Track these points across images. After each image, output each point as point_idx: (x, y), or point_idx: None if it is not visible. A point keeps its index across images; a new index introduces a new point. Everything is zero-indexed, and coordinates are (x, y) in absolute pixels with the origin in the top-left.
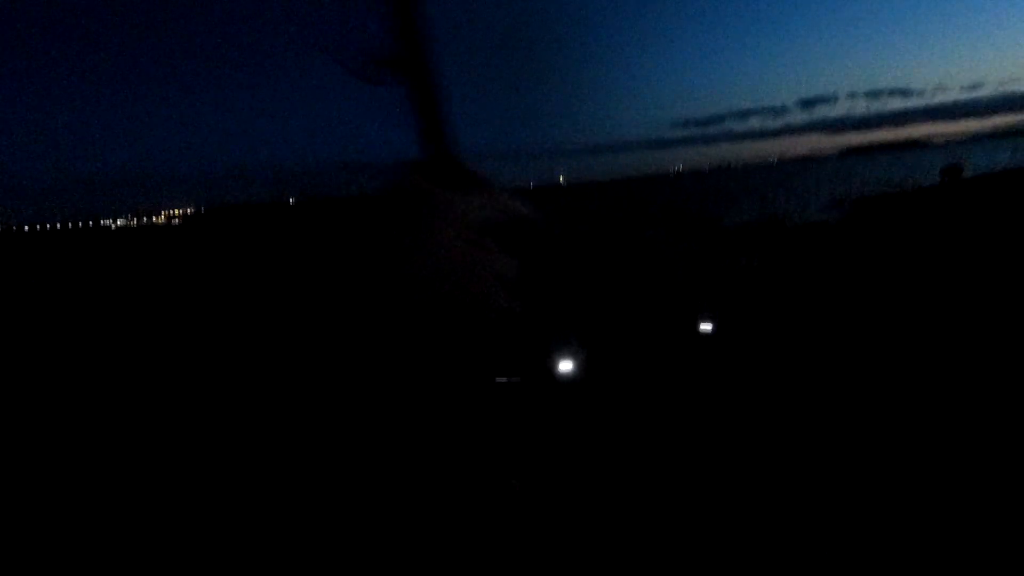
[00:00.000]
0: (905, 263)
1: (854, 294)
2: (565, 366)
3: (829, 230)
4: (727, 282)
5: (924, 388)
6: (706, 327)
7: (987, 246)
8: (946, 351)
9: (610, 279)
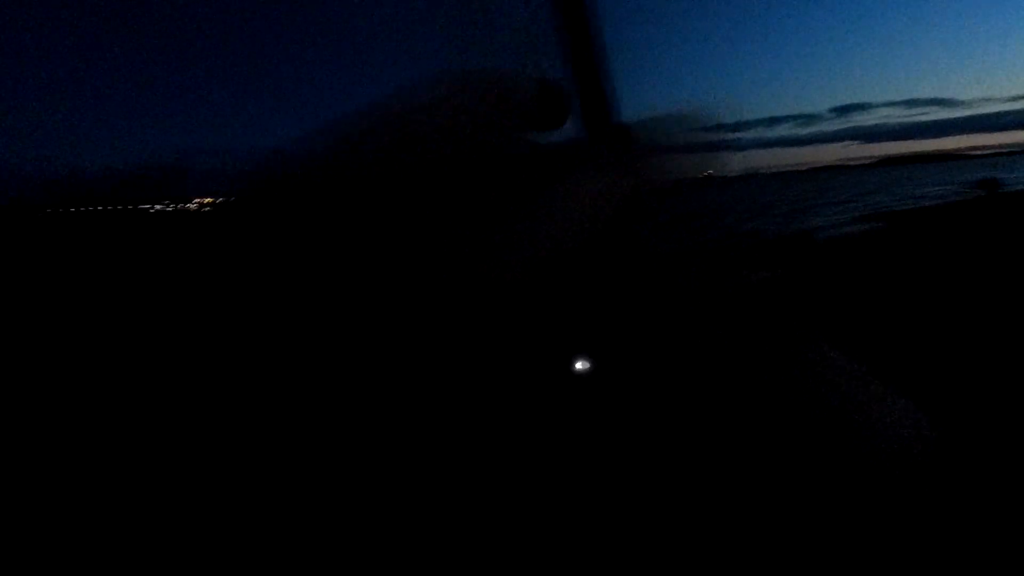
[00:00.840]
0: (942, 281)
1: (885, 312)
2: (582, 364)
3: (860, 244)
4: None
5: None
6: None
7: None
8: (987, 378)
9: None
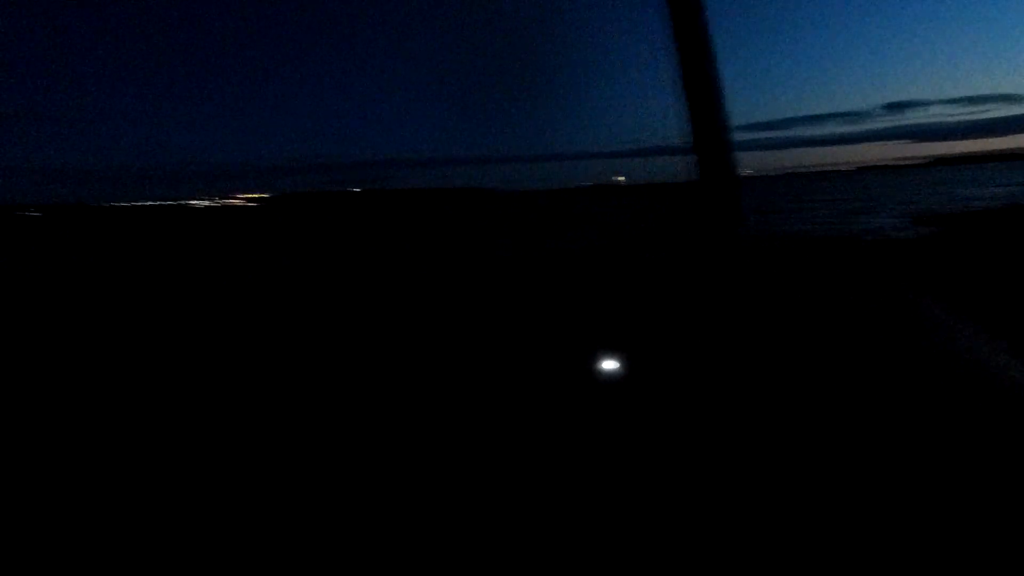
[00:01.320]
0: (1001, 288)
1: (936, 320)
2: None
3: (911, 248)
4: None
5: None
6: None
7: None
8: None
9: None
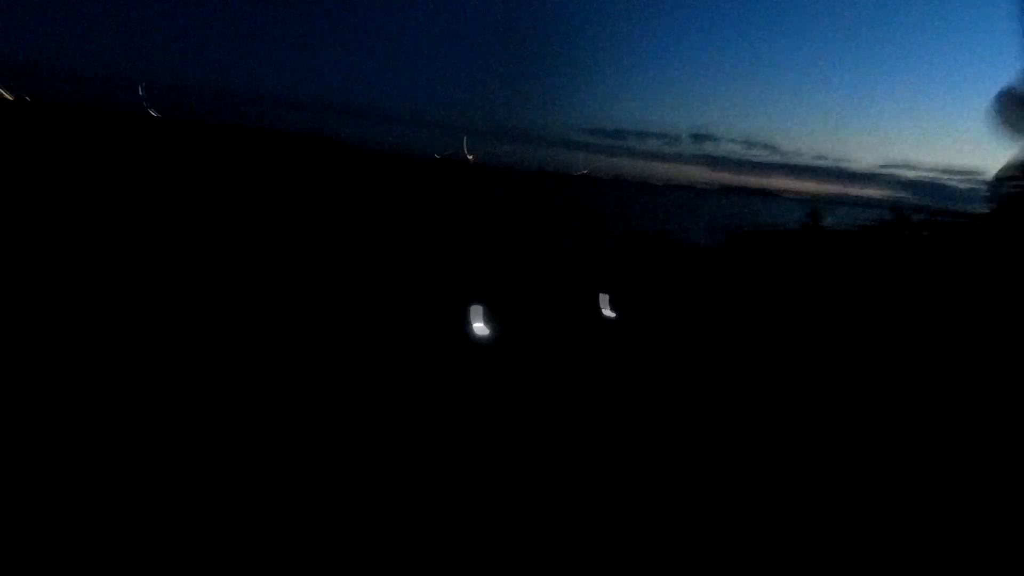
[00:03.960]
0: (769, 284)
1: (726, 306)
2: (479, 327)
3: (708, 253)
4: (622, 283)
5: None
6: (608, 313)
7: (840, 281)
8: (786, 342)
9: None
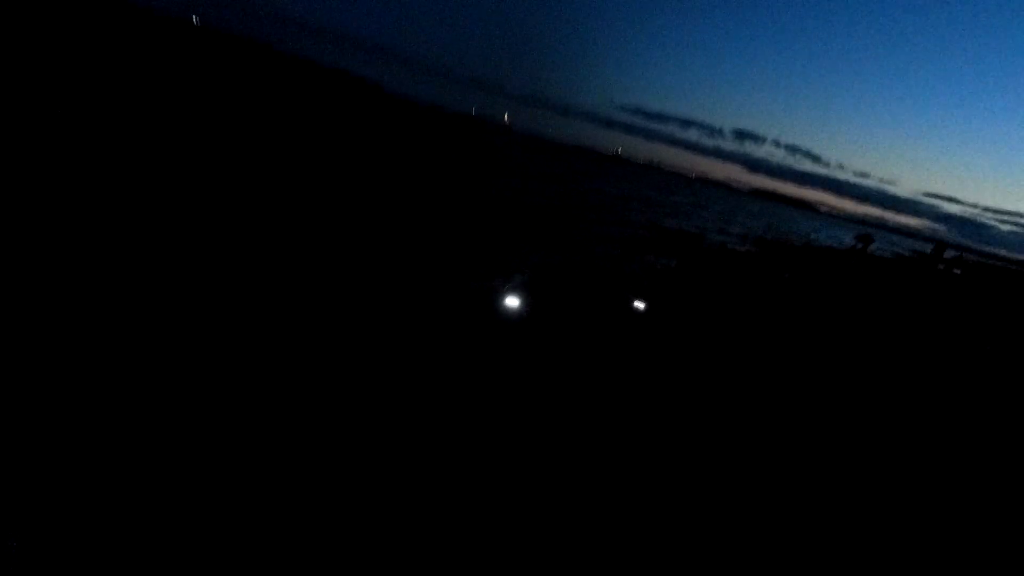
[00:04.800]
0: (798, 298)
1: (754, 316)
2: (512, 301)
3: (738, 257)
4: (656, 277)
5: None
6: (639, 305)
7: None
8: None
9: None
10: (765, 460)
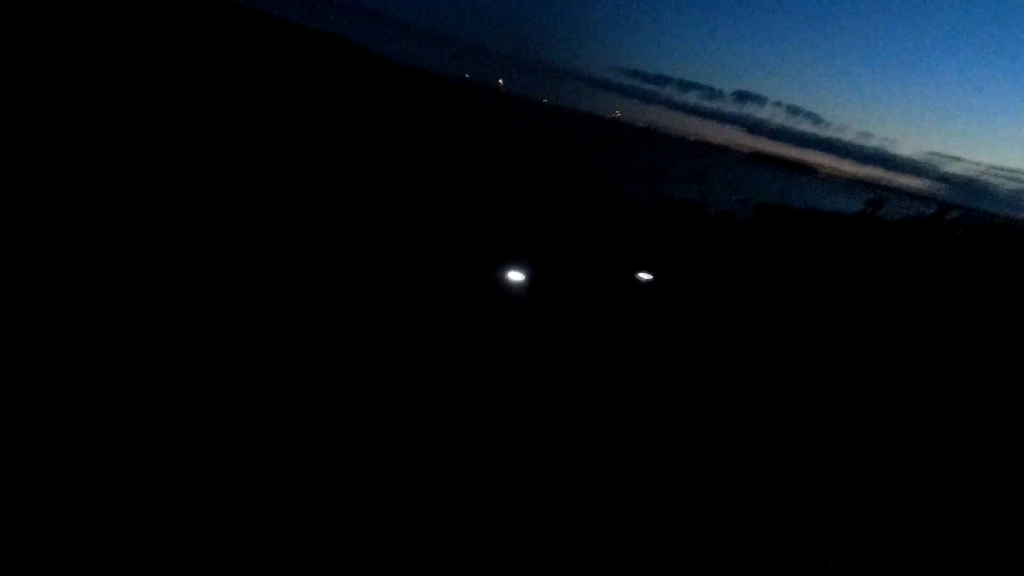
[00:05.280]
0: (803, 267)
1: (748, 278)
2: (515, 276)
3: (740, 226)
4: (659, 248)
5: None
6: (644, 276)
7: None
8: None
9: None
10: (777, 446)
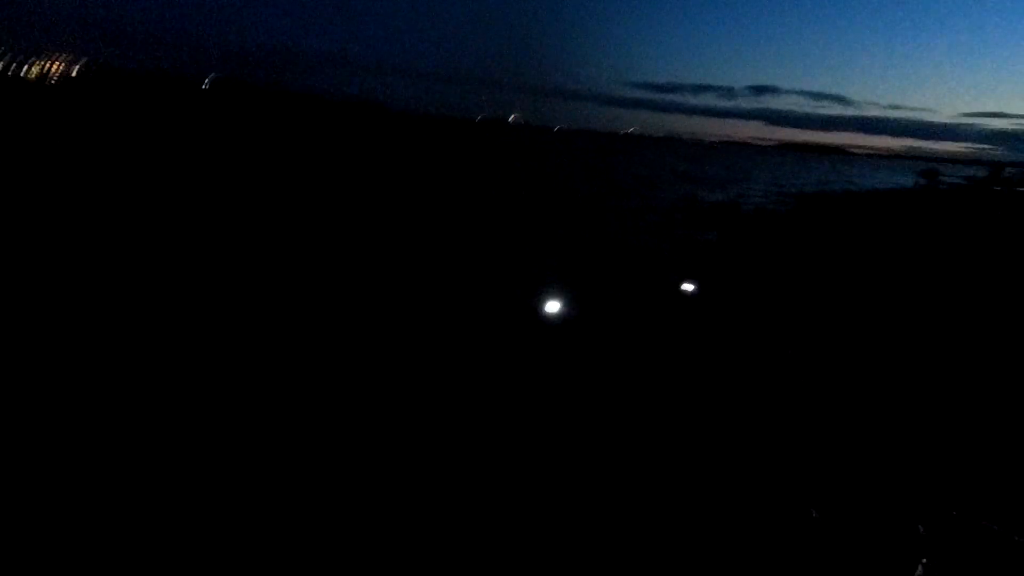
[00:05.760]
0: (845, 254)
1: (800, 276)
2: (552, 305)
3: (779, 218)
4: (698, 254)
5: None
6: (688, 287)
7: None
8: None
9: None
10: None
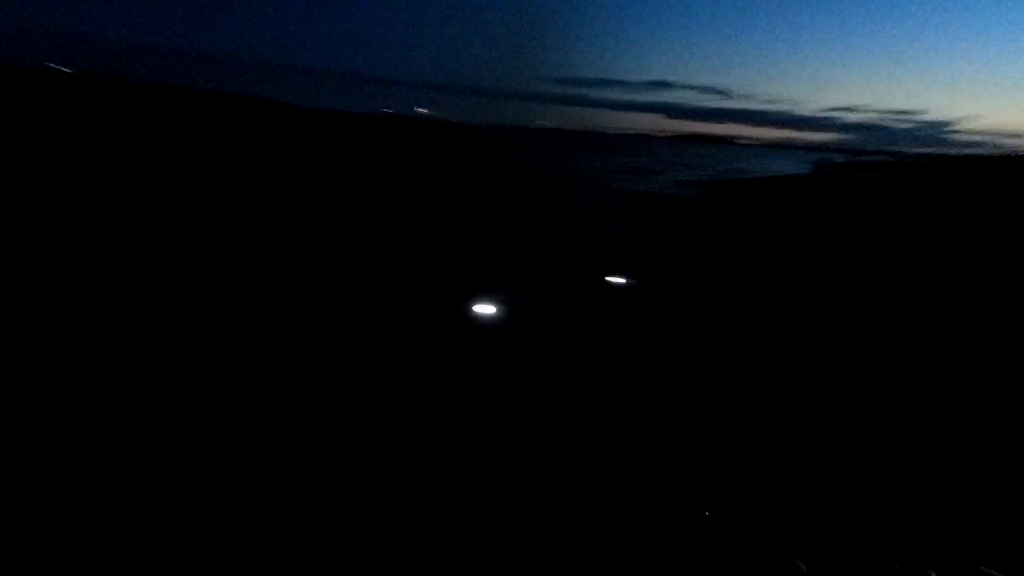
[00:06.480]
0: (764, 238)
1: (723, 263)
2: (483, 307)
3: (692, 205)
4: (618, 244)
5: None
6: (617, 280)
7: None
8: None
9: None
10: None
